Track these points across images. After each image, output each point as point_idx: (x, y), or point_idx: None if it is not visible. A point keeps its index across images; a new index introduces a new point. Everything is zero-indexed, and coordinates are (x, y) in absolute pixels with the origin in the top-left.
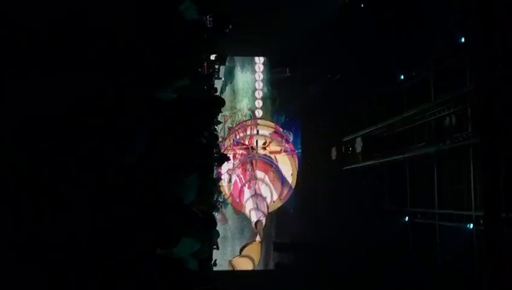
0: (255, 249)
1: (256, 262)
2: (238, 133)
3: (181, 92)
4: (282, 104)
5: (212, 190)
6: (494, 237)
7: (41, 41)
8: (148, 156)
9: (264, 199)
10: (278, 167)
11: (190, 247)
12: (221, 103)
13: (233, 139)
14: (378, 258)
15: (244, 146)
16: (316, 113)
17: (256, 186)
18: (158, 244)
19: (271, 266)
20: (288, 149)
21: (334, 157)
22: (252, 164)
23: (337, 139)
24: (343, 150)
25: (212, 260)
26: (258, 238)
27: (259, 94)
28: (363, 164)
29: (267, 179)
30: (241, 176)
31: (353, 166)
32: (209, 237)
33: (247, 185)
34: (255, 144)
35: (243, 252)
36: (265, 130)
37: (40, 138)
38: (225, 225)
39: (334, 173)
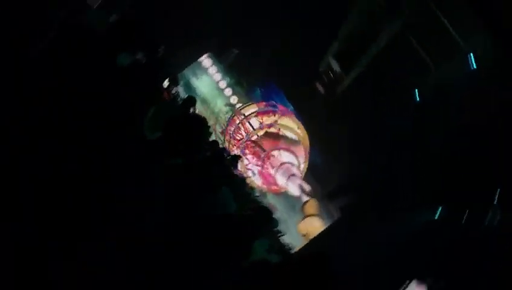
0: (313, 205)
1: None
2: (230, 130)
3: (161, 122)
4: (249, 82)
5: (245, 191)
6: None
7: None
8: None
9: (292, 164)
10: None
11: (262, 246)
12: (192, 101)
13: (229, 136)
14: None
15: (242, 135)
16: (283, 68)
17: (275, 159)
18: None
19: (336, 216)
20: (282, 112)
21: (323, 92)
22: (257, 143)
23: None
24: (326, 80)
25: (285, 245)
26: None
27: (223, 84)
28: (349, 79)
29: (282, 147)
30: (257, 162)
31: (343, 86)
32: (270, 229)
33: (268, 163)
34: (250, 126)
35: (305, 211)
36: (251, 109)
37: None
38: (276, 212)
39: (332, 105)
